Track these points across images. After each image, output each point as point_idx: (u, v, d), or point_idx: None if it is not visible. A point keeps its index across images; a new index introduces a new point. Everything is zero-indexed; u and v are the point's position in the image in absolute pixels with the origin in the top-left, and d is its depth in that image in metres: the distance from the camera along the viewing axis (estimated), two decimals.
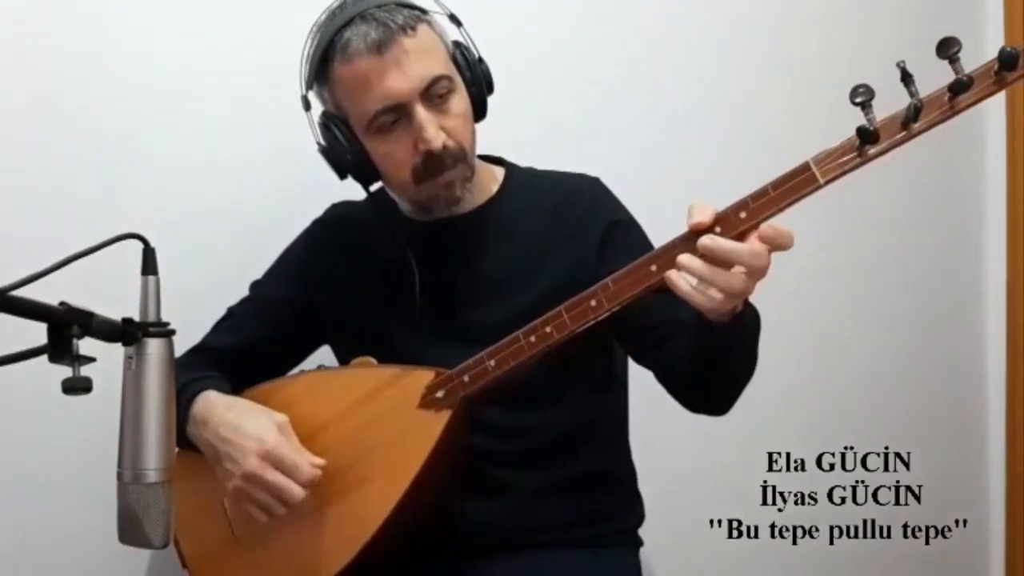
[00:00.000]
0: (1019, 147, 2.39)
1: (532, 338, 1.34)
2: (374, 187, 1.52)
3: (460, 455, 1.47)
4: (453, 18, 1.48)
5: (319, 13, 1.48)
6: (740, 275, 1.18)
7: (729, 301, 1.20)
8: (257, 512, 1.40)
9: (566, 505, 1.52)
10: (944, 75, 1.12)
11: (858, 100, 1.12)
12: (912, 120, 1.11)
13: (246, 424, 1.40)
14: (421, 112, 1.39)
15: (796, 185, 1.18)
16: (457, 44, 1.48)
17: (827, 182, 1.17)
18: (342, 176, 1.49)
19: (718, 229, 1.19)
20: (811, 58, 2.25)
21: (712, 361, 1.34)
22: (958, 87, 1.09)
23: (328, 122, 1.47)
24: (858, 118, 1.14)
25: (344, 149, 1.45)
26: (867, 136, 1.12)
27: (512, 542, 1.49)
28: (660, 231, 1.36)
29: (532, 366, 1.37)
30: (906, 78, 1.11)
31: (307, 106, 1.48)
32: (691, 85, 2.19)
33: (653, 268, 1.26)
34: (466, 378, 1.39)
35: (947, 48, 1.09)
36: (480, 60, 1.49)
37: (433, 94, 1.41)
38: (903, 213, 2.32)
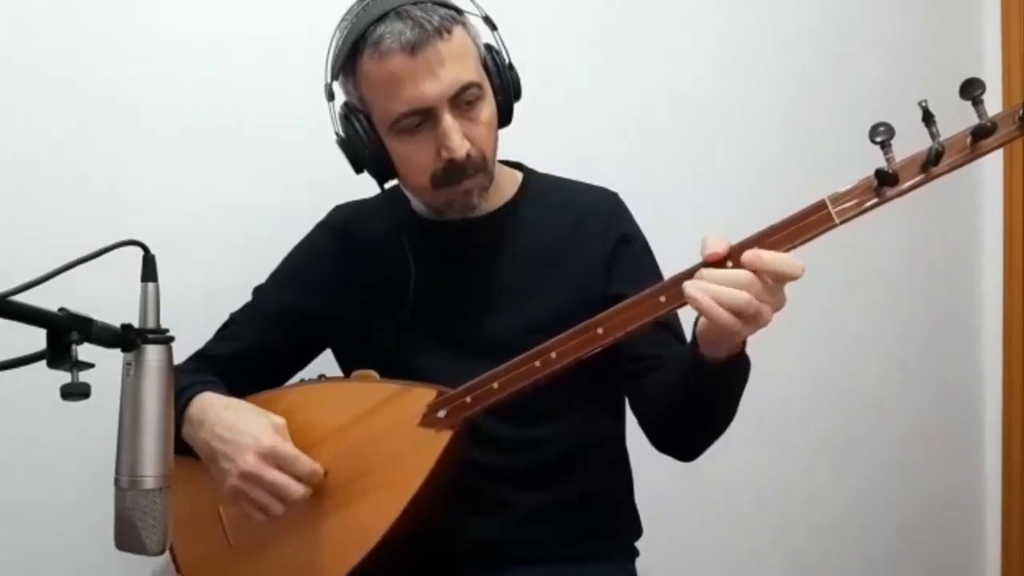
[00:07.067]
0: (1017, 151, 2.41)
1: (537, 363, 1.32)
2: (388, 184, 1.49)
3: (460, 472, 1.45)
4: (488, 21, 1.44)
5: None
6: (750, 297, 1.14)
7: (744, 325, 1.16)
8: (255, 511, 1.37)
9: (566, 522, 1.51)
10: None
11: (878, 139, 1.09)
12: (932, 164, 1.09)
13: (242, 423, 1.38)
14: (447, 119, 1.36)
15: (811, 223, 1.16)
16: (489, 48, 1.44)
17: (843, 222, 1.15)
18: (358, 170, 1.46)
19: (730, 263, 1.17)
20: (811, 58, 2.22)
21: (693, 400, 1.33)
22: (981, 132, 1.06)
23: (350, 114, 1.42)
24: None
25: (363, 143, 1.41)
26: (886, 178, 1.10)
27: (510, 558, 1.49)
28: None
29: (536, 388, 1.35)
30: (927, 118, 1.08)
31: (330, 96, 1.44)
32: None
33: (662, 299, 1.24)
34: (468, 399, 1.37)
35: (970, 90, 1.05)
36: (511, 66, 1.45)
37: (461, 101, 1.37)
38: (903, 216, 2.30)
